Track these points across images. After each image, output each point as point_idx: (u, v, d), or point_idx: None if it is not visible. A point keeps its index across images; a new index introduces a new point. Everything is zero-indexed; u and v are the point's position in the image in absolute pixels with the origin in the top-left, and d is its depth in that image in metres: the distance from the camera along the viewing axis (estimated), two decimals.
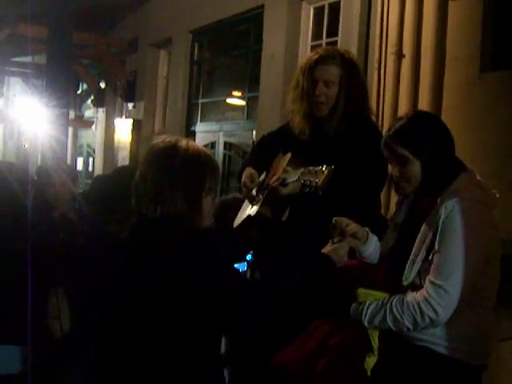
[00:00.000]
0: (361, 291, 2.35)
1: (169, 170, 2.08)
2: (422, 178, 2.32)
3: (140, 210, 2.10)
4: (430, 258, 2.26)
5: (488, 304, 2.36)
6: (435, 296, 2.20)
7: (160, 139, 2.18)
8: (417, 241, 2.32)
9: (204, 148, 2.21)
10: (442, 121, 2.45)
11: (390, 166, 2.41)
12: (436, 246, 2.24)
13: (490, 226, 2.30)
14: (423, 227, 2.32)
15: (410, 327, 2.26)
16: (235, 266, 2.34)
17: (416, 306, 2.22)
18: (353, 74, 2.96)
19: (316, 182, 2.52)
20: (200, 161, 2.14)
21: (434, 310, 2.20)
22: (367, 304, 2.32)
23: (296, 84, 3.03)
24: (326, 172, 2.52)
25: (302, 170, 2.63)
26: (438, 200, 2.28)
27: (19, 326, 2.99)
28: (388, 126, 2.49)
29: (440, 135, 2.35)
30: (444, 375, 2.30)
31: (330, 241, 2.39)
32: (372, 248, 2.51)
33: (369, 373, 2.27)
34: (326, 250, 2.34)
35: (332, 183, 2.52)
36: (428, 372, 2.30)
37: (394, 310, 2.26)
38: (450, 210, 2.22)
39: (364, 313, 2.31)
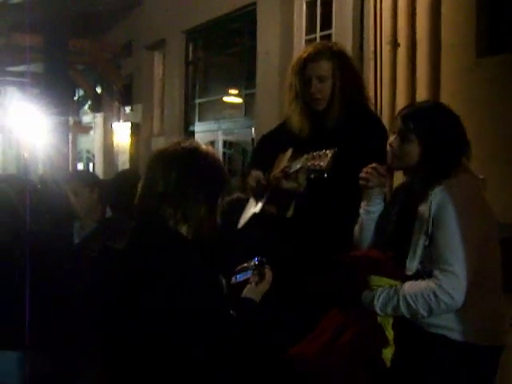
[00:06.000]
0: (373, 278, 2.37)
1: (194, 174, 2.01)
2: (420, 164, 2.37)
3: (157, 212, 2.01)
4: (429, 246, 2.31)
5: (496, 284, 2.41)
6: (447, 281, 2.24)
7: (172, 142, 2.11)
8: (414, 231, 2.36)
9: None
10: (461, 121, 2.47)
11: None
12: (433, 233, 2.29)
13: (481, 205, 2.37)
14: (418, 217, 2.36)
15: (425, 314, 2.29)
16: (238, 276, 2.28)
17: (431, 294, 2.26)
18: (344, 65, 2.99)
19: (321, 166, 2.54)
20: (220, 167, 2.10)
21: (449, 295, 2.24)
22: (379, 291, 2.35)
23: (290, 86, 3.05)
24: (329, 155, 2.54)
25: (306, 156, 2.65)
26: (429, 189, 2.33)
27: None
28: (400, 110, 2.57)
29: (451, 132, 2.40)
30: (461, 361, 2.32)
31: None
32: (377, 209, 2.55)
33: (388, 364, 2.29)
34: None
35: (335, 168, 2.54)
36: (446, 360, 2.32)
37: (408, 297, 2.29)
38: (441, 196, 2.28)
39: (376, 300, 2.34)
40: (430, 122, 2.40)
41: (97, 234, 3.57)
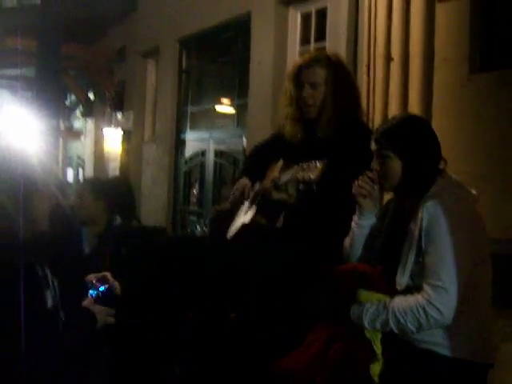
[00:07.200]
0: (362, 292, 2.35)
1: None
2: (403, 178, 2.38)
3: None
4: (420, 260, 2.29)
5: (486, 300, 2.39)
6: (437, 297, 2.22)
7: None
8: (405, 245, 2.35)
9: None
10: (432, 127, 2.49)
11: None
12: (424, 247, 2.28)
13: (473, 220, 2.35)
14: (409, 231, 2.35)
15: (414, 330, 2.27)
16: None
17: (420, 309, 2.23)
18: (339, 74, 2.98)
19: (310, 178, 2.53)
20: (23, 164, 2.26)
21: (439, 311, 2.22)
22: (368, 306, 2.32)
23: (285, 91, 3.06)
24: (319, 167, 2.53)
25: (296, 167, 2.64)
26: (420, 203, 2.32)
27: None
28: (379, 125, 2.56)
29: (426, 140, 2.42)
30: (450, 377, 2.30)
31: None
32: (369, 224, 2.54)
33: (376, 380, 2.27)
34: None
35: (325, 180, 2.53)
36: (434, 375, 2.30)
37: (397, 312, 2.27)
38: (433, 210, 2.27)
39: (364, 315, 2.32)
40: (402, 132, 2.42)
41: (102, 242, 3.53)
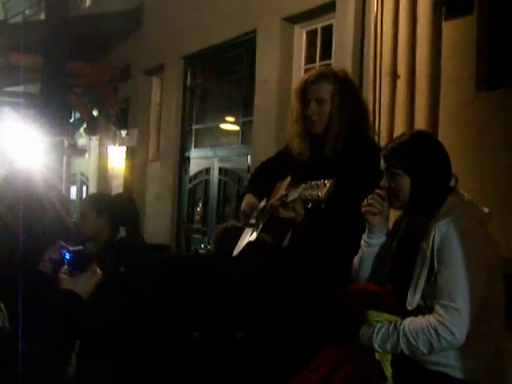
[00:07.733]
0: (371, 313, 2.30)
1: None
2: (411, 195, 2.35)
3: None
4: (431, 280, 2.25)
5: (499, 321, 2.35)
6: (449, 318, 2.18)
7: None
8: (416, 265, 2.31)
9: None
10: (442, 144, 2.46)
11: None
12: (436, 268, 2.24)
13: (486, 239, 2.31)
14: (420, 251, 2.31)
15: (426, 351, 2.23)
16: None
17: (432, 330, 2.19)
18: (346, 90, 2.94)
19: (318, 196, 2.49)
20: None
21: (451, 332, 2.18)
22: (378, 327, 2.28)
23: (292, 108, 3.03)
24: (328, 185, 2.49)
25: (304, 185, 2.61)
26: (432, 222, 2.29)
27: None
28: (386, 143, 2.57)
29: (435, 157, 2.39)
30: None
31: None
32: (378, 242, 2.49)
33: None
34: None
35: (333, 198, 2.49)
36: None
37: (408, 334, 2.23)
38: (445, 230, 2.24)
39: (375, 336, 2.27)
40: (411, 149, 2.39)
41: (102, 258, 3.51)
